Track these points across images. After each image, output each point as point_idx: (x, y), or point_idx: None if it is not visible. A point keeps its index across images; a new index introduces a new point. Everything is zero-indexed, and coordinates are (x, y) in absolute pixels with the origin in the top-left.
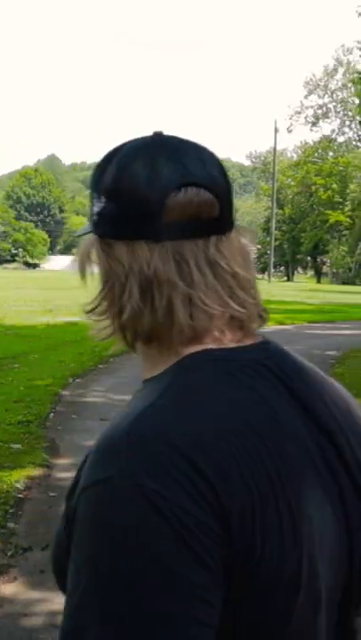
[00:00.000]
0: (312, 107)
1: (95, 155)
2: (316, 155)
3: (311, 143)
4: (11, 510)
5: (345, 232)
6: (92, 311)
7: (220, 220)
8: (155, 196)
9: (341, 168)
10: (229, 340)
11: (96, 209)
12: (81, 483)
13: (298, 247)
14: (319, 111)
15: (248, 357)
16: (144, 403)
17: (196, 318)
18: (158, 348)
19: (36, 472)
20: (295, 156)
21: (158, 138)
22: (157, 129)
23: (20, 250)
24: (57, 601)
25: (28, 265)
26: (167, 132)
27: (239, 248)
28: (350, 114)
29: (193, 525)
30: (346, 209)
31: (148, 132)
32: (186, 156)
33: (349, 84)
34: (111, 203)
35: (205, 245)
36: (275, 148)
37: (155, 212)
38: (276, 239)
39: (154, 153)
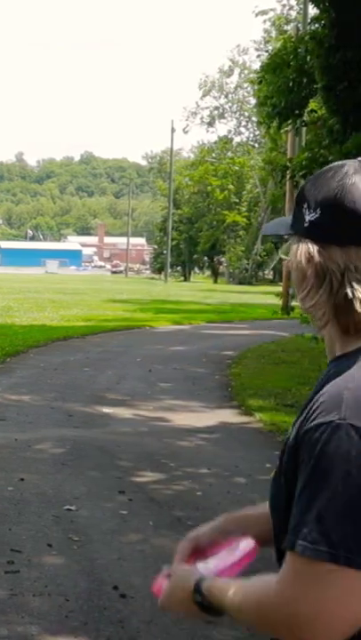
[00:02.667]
0: (208, 107)
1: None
2: (213, 155)
3: (208, 144)
4: None
5: (241, 232)
6: (313, 305)
7: None
8: None
9: (237, 168)
10: None
11: (309, 218)
12: (307, 425)
13: (195, 247)
14: (215, 112)
15: None
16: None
17: None
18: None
19: None
20: (192, 155)
21: None
22: (59, 130)
23: None
24: None
25: None
26: (66, 133)
27: None
28: (246, 114)
29: None
30: (242, 209)
31: (46, 132)
32: None
33: (245, 85)
34: (327, 214)
35: None
36: (171, 149)
37: None
38: (173, 239)
39: None
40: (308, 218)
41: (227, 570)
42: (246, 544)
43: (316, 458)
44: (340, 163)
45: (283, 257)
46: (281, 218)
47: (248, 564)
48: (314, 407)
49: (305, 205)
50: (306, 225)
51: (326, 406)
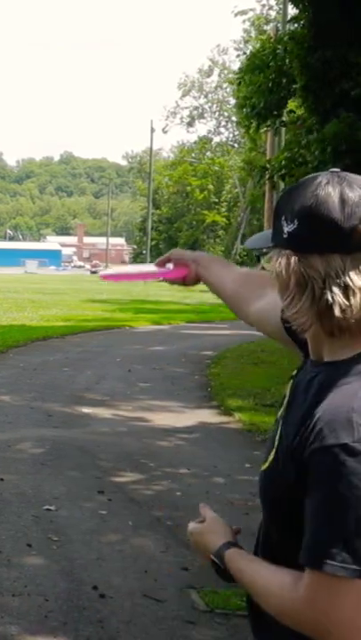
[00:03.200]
0: (188, 107)
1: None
2: (193, 155)
3: (187, 144)
4: None
5: (221, 232)
6: (297, 312)
7: None
8: (347, 221)
9: (217, 168)
10: None
11: (288, 229)
12: (316, 444)
13: (174, 247)
14: (195, 112)
15: None
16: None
17: None
18: (348, 337)
19: None
20: (172, 155)
21: (337, 173)
22: (38, 130)
23: None
24: None
25: None
26: (46, 132)
27: None
28: (226, 114)
29: None
30: (222, 209)
31: (25, 131)
32: None
33: (225, 85)
34: (304, 225)
35: None
36: (151, 149)
37: (346, 232)
38: (152, 239)
39: (340, 186)
40: (286, 229)
41: (141, 275)
42: (167, 270)
43: (332, 480)
44: (313, 175)
45: (265, 267)
46: (262, 232)
47: (158, 279)
48: (318, 425)
49: (283, 218)
50: (285, 236)
51: (335, 427)
